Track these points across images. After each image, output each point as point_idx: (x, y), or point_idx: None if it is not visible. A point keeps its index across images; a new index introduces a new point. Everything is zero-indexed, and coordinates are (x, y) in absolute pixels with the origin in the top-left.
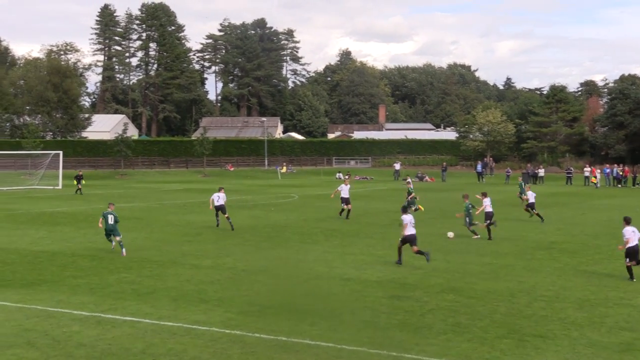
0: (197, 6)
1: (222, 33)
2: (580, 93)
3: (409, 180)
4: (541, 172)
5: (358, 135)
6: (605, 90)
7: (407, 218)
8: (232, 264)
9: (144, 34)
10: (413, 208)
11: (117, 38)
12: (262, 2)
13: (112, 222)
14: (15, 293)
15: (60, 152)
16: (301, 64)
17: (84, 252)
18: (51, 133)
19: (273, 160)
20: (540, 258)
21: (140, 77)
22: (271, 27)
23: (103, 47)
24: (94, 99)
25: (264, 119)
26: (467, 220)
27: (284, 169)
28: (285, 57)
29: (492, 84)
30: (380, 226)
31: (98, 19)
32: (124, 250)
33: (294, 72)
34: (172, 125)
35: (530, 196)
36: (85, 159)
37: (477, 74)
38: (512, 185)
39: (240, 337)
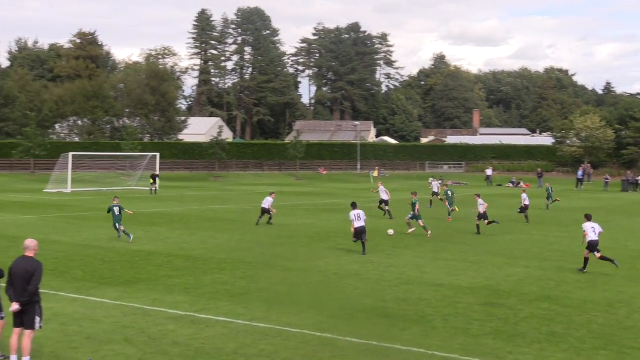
0: (292, 11)
1: (316, 37)
2: None
3: (430, 180)
4: None
5: (451, 140)
6: None
7: (353, 213)
8: (324, 267)
9: (240, 38)
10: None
11: (213, 42)
12: (356, 6)
13: (118, 214)
14: (114, 291)
15: (157, 154)
16: (395, 68)
17: (179, 252)
18: (149, 135)
19: (365, 164)
20: None
21: (236, 80)
22: (365, 31)
23: (200, 51)
24: (190, 102)
25: (357, 122)
26: (414, 214)
27: (376, 173)
28: (379, 61)
29: (590, 88)
30: (473, 232)
31: (195, 23)
32: (131, 236)
33: (388, 76)
34: (266, 128)
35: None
36: (181, 161)
37: (575, 78)
38: (612, 192)
39: (331, 341)
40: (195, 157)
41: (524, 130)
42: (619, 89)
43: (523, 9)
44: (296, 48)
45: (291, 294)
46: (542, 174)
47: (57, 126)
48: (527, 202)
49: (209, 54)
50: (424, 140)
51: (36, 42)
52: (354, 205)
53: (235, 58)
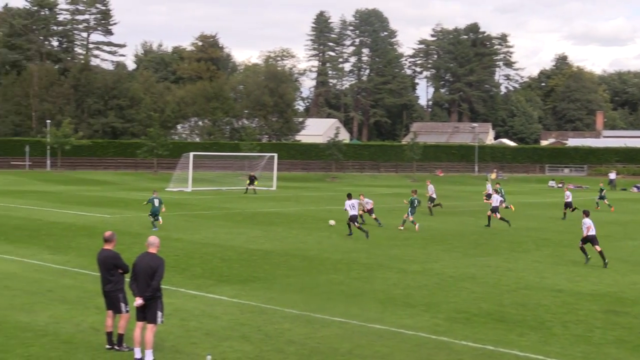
0: (410, 12)
1: (434, 38)
2: None
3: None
4: None
5: (573, 142)
6: None
7: (348, 203)
8: (440, 269)
9: (357, 40)
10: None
11: (331, 44)
12: (476, 7)
13: (157, 205)
14: (232, 288)
15: (275, 155)
16: (514, 69)
17: (295, 252)
18: (267, 136)
19: (483, 166)
20: None
21: (353, 82)
22: (484, 32)
23: (317, 52)
24: (307, 103)
25: (474, 124)
26: (410, 211)
27: (494, 176)
28: (498, 62)
29: None
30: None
31: (314, 25)
32: (160, 220)
33: (507, 77)
34: (382, 129)
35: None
36: (298, 161)
37: None
38: None
39: (447, 344)
40: (312, 158)
41: None
42: None
43: None
44: (414, 49)
45: (406, 295)
46: None
47: (179, 126)
48: None
49: (327, 56)
50: (544, 143)
51: (160, 45)
52: (349, 196)
53: (353, 59)
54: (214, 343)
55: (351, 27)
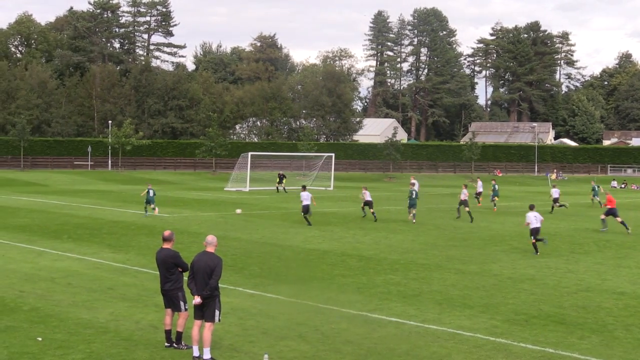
0: (469, 11)
1: (493, 37)
2: None
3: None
4: None
5: (637, 142)
6: None
7: (303, 194)
8: (498, 270)
9: (416, 39)
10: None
11: (389, 43)
12: (536, 5)
13: (152, 195)
14: (289, 288)
15: (333, 155)
16: (576, 68)
17: (352, 252)
18: (324, 136)
19: (543, 166)
20: None
21: (411, 81)
22: (545, 30)
23: (376, 52)
24: (365, 103)
25: (534, 124)
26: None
27: (554, 176)
28: (559, 61)
29: None
30: None
31: (372, 25)
32: (156, 209)
33: (568, 76)
34: (440, 129)
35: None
36: (355, 161)
37: None
38: None
39: (505, 346)
40: (370, 158)
41: None
42: None
43: None
44: (473, 48)
45: (464, 297)
46: None
47: (237, 127)
48: None
49: (385, 55)
50: (606, 143)
51: (219, 46)
52: (303, 188)
53: (411, 59)
54: (270, 342)
55: (409, 27)
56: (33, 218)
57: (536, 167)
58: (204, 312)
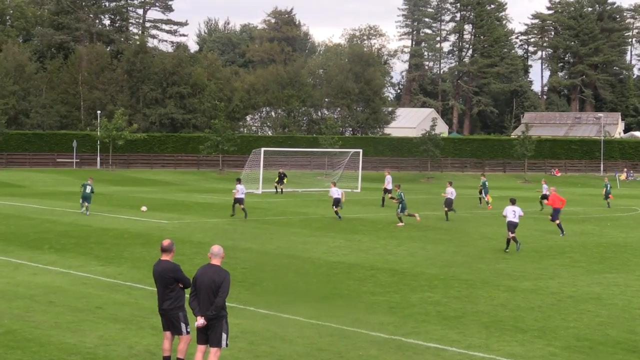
0: None
1: (551, 12)
2: None
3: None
4: None
5: None
6: None
7: (239, 186)
8: (557, 288)
9: (458, 15)
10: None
11: (427, 20)
12: None
13: (89, 192)
14: (309, 307)
15: (360, 151)
16: None
17: (383, 265)
18: (351, 129)
19: (610, 165)
20: None
21: (453, 64)
22: (613, 3)
23: (411, 30)
24: (399, 90)
25: (600, 114)
26: (400, 207)
27: (624, 176)
28: (630, 39)
29: None
30: None
31: None
32: (87, 212)
33: None
34: (487, 121)
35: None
36: (387, 158)
37: None
38: None
39: None
40: (404, 155)
41: None
42: None
43: None
44: (526, 25)
45: (516, 319)
46: None
47: (247, 118)
48: None
49: (422, 34)
50: None
51: (227, 23)
52: (238, 180)
53: (453, 38)
54: None
55: (451, 0)
56: (8, 225)
57: (602, 165)
58: (208, 335)
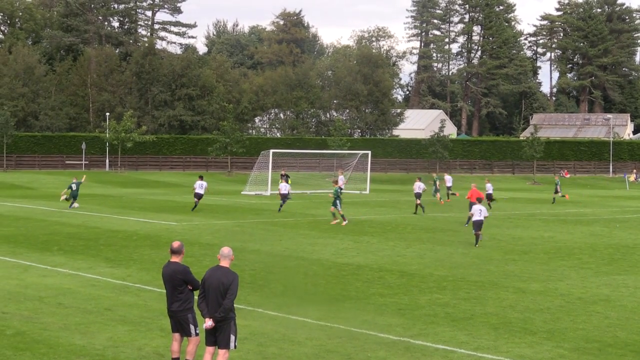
0: None
1: (560, 13)
2: None
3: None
4: None
5: None
6: None
7: (197, 183)
8: (566, 290)
9: (467, 16)
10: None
11: (436, 21)
12: None
13: (76, 189)
14: (317, 309)
15: (369, 152)
16: None
17: (392, 267)
18: (359, 130)
19: (620, 166)
20: None
21: (461, 66)
22: (623, 4)
23: (420, 32)
24: (407, 92)
25: (609, 116)
26: (335, 203)
27: (633, 177)
28: (639, 41)
29: None
30: None
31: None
32: (75, 204)
33: None
34: (496, 122)
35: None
36: (395, 160)
37: None
38: None
39: None
40: (413, 156)
41: None
42: None
43: None
44: (535, 26)
45: (524, 320)
46: None
47: (256, 119)
48: None
49: (431, 35)
50: None
51: (236, 25)
52: (200, 177)
53: (462, 39)
54: None
55: (460, 1)
56: (18, 227)
57: (611, 166)
58: (217, 337)
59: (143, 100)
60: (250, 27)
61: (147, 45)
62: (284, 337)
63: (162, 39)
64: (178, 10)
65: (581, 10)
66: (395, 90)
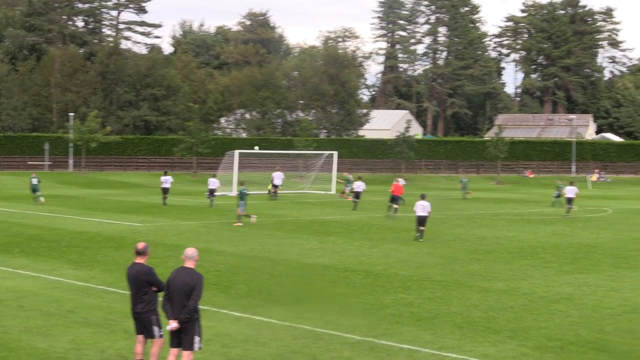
0: None
1: (524, 14)
2: None
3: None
4: None
5: None
6: None
7: (163, 178)
8: (529, 288)
9: (433, 17)
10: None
11: (402, 22)
12: None
13: (36, 182)
14: (283, 310)
15: (335, 153)
16: (621, 50)
17: (357, 267)
18: (325, 131)
19: (582, 166)
20: None
21: (427, 66)
22: (585, 6)
23: (386, 32)
24: (373, 92)
25: (572, 116)
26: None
27: (595, 177)
28: (601, 42)
29: None
30: None
31: (381, 0)
32: (42, 198)
33: (612, 59)
34: (461, 123)
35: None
36: (361, 160)
37: None
38: None
39: None
40: (378, 157)
41: None
42: None
43: None
44: (500, 27)
45: (488, 319)
46: None
47: (222, 120)
48: None
49: (397, 36)
50: None
51: (202, 25)
52: (165, 173)
53: (427, 40)
54: None
55: (426, 2)
56: None
57: (574, 166)
58: (181, 338)
59: (107, 101)
60: (216, 28)
61: (111, 45)
62: (248, 338)
63: (127, 38)
64: (143, 10)
65: (545, 11)
66: (361, 91)
